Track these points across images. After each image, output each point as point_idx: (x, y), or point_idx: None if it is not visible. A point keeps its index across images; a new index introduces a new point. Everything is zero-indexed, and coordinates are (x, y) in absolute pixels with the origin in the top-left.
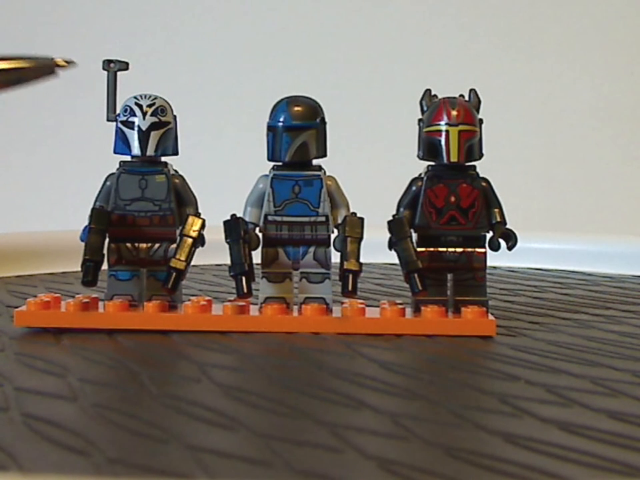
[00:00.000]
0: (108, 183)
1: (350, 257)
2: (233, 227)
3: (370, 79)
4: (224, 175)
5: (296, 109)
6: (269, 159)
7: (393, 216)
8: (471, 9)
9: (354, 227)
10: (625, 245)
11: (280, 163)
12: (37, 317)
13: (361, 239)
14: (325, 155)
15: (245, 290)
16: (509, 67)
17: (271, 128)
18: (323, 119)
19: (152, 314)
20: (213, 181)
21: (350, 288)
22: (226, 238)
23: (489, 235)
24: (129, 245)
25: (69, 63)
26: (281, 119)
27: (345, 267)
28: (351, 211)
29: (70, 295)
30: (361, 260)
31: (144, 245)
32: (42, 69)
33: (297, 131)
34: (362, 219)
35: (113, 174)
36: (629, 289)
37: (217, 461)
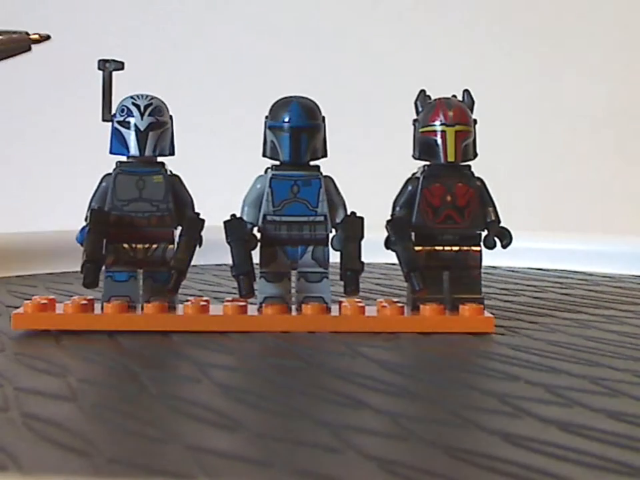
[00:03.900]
0: (104, 184)
1: (351, 256)
2: (234, 227)
3: (365, 80)
4: (222, 175)
5: (300, 109)
6: (269, 158)
7: (392, 215)
8: (468, 8)
9: (354, 227)
10: (625, 245)
11: (278, 163)
12: (35, 319)
13: (361, 238)
14: (325, 155)
15: (247, 290)
16: (508, 66)
17: (272, 128)
18: (323, 119)
19: (151, 315)
20: (211, 181)
21: (352, 287)
22: (227, 238)
23: (484, 233)
24: (126, 245)
25: (44, 37)
26: (284, 119)
27: (346, 266)
28: (348, 210)
29: (70, 295)
30: (362, 259)
31: (141, 246)
32: (16, 43)
33: (300, 131)
34: (362, 218)
35: (109, 174)
36: (629, 289)
37: (217, 461)
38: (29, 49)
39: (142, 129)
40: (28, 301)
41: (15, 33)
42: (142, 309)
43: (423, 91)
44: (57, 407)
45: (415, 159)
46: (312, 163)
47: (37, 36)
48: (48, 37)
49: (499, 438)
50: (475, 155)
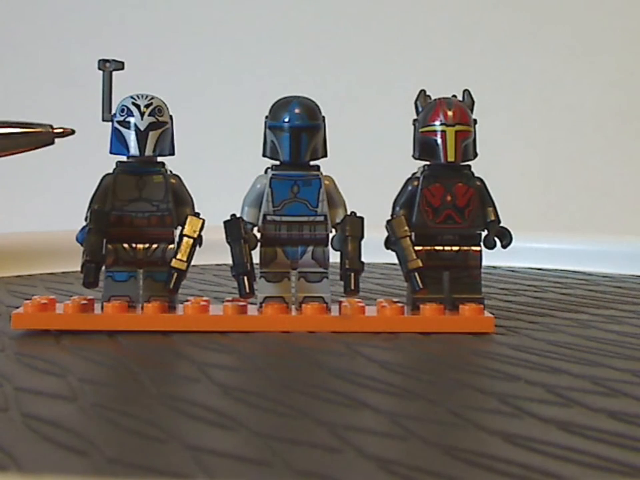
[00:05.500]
0: (104, 184)
1: (351, 255)
2: (234, 227)
3: (365, 80)
4: (222, 175)
5: (300, 109)
6: (269, 158)
7: (392, 215)
8: (468, 8)
9: (354, 226)
10: (625, 245)
11: (278, 163)
12: (35, 319)
13: (361, 237)
14: (325, 155)
15: (247, 289)
16: (508, 65)
17: (272, 128)
18: (323, 119)
19: (151, 315)
20: (211, 181)
21: (352, 287)
22: (227, 238)
23: (484, 233)
24: (126, 245)
25: (68, 131)
26: (284, 119)
27: (346, 266)
28: (348, 210)
29: (70, 295)
30: (362, 259)
31: (141, 246)
32: (40, 136)
33: (301, 131)
34: (362, 218)
35: (109, 174)
36: (629, 289)
37: (217, 461)
38: (53, 142)
39: (142, 129)
40: (28, 301)
41: (39, 126)
42: (142, 308)
43: (423, 91)
44: (57, 407)
45: (415, 158)
46: (312, 162)
47: (60, 130)
48: (72, 132)
49: (499, 438)
50: (475, 155)
